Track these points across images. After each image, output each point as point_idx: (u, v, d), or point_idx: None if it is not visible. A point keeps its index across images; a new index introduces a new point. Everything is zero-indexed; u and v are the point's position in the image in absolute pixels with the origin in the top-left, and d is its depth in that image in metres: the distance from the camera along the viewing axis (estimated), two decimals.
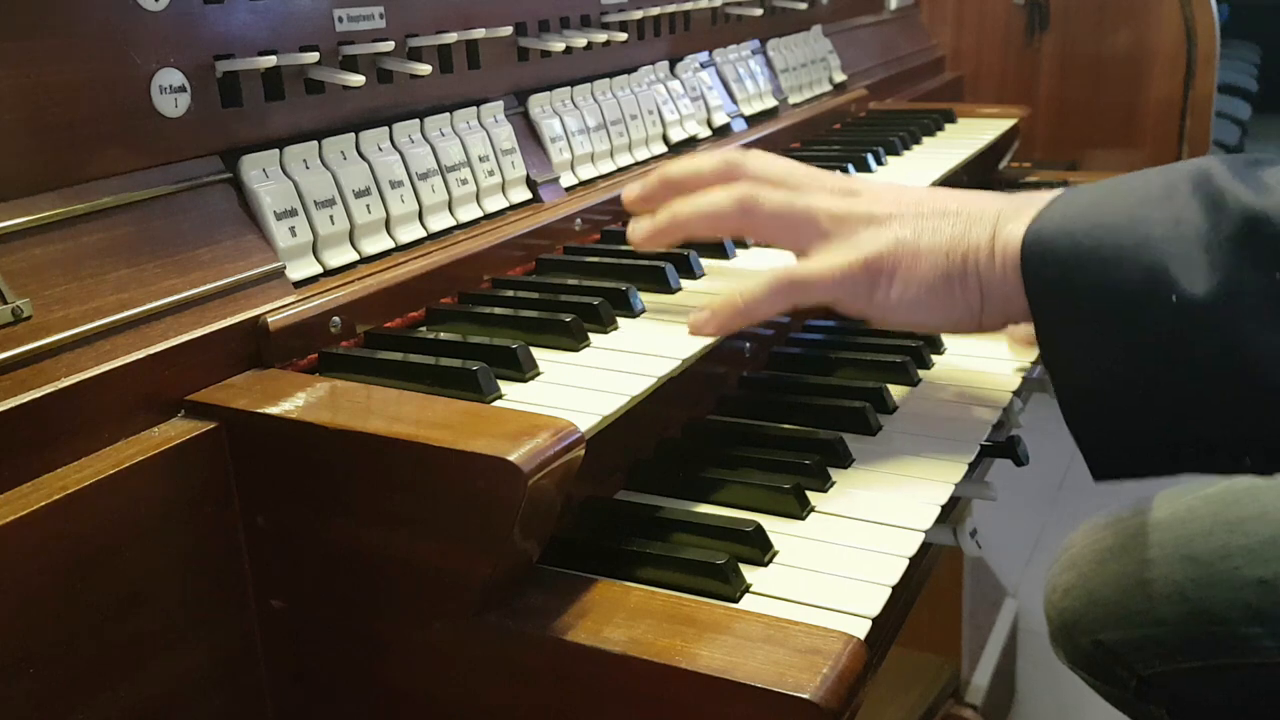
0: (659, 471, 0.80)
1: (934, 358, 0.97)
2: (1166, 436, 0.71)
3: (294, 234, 0.78)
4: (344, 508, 0.64)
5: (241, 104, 0.78)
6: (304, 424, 0.63)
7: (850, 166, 1.21)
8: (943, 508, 0.74)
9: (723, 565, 0.64)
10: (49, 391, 0.60)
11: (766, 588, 0.65)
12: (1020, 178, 1.52)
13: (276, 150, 0.79)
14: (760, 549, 0.68)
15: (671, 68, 1.26)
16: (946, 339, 1.01)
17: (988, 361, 0.97)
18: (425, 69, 0.88)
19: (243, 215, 0.76)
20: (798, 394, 0.91)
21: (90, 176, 0.69)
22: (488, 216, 0.95)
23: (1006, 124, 1.50)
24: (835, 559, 0.68)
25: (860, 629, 0.61)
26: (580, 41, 1.06)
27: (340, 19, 0.85)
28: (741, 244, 1.00)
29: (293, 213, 0.78)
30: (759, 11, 1.43)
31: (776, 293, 0.79)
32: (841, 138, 1.43)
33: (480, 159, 0.95)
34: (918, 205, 0.81)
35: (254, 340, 0.71)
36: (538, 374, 0.73)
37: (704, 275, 0.93)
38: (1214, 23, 2.60)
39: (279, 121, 0.81)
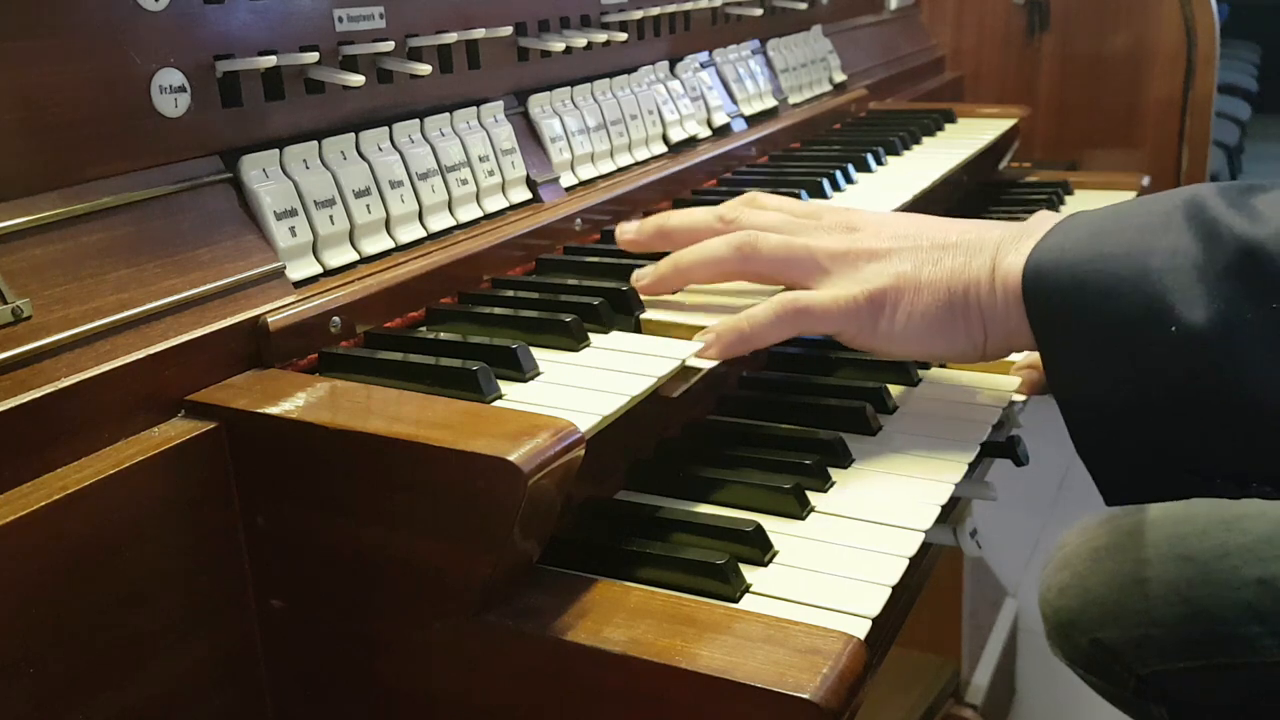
0: (659, 471, 0.80)
1: None
2: (1173, 465, 0.72)
3: (294, 234, 0.78)
4: (344, 508, 0.64)
5: (241, 104, 0.78)
6: (304, 424, 0.63)
7: (850, 166, 1.21)
8: (943, 508, 0.74)
9: (723, 565, 0.64)
10: (49, 391, 0.60)
11: (766, 588, 0.65)
12: (1020, 177, 1.52)
13: (276, 150, 0.79)
14: (760, 549, 0.68)
15: (671, 68, 1.26)
16: None
17: None
18: (425, 69, 0.88)
19: (243, 215, 0.76)
20: (798, 394, 0.91)
21: (90, 176, 0.68)
22: (488, 216, 0.95)
23: (1006, 124, 1.50)
24: (835, 559, 0.68)
25: (860, 629, 0.61)
26: (580, 41, 1.06)
27: (340, 19, 0.85)
28: None
29: (293, 213, 0.78)
30: (759, 11, 1.43)
31: (782, 319, 0.80)
32: (841, 137, 1.43)
33: (480, 159, 0.95)
34: (917, 238, 0.82)
35: (254, 340, 0.71)
36: (538, 374, 0.73)
37: None
38: (1214, 23, 2.60)
39: (279, 121, 0.81)
